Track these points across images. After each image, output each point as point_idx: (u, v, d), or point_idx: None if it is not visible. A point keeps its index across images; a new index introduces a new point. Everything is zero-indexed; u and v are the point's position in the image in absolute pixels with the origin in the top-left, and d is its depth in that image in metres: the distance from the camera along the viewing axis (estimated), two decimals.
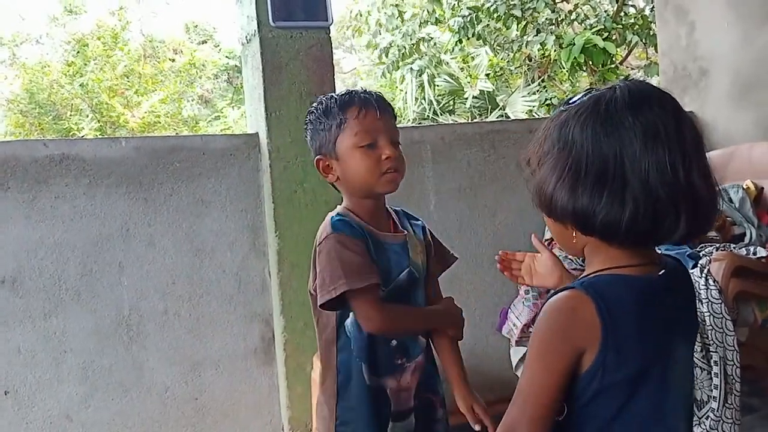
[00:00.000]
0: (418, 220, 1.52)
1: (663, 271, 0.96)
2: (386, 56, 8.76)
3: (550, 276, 1.30)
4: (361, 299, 1.32)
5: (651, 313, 0.93)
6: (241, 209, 2.52)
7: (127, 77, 10.92)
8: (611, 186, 0.87)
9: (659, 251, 1.00)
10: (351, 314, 1.36)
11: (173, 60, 11.96)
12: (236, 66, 11.27)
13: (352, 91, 1.42)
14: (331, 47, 2.56)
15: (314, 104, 1.43)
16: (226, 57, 12.16)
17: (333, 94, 1.42)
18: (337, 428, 1.38)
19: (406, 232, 1.44)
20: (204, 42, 12.77)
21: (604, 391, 0.90)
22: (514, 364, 2.25)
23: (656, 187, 0.86)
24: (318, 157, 1.41)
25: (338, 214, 1.40)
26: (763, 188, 2.51)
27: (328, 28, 2.53)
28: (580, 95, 0.95)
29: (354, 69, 12.95)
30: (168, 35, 12.35)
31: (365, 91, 1.42)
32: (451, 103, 8.66)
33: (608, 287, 0.91)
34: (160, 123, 10.42)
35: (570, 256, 2.25)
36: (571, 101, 0.95)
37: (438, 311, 1.47)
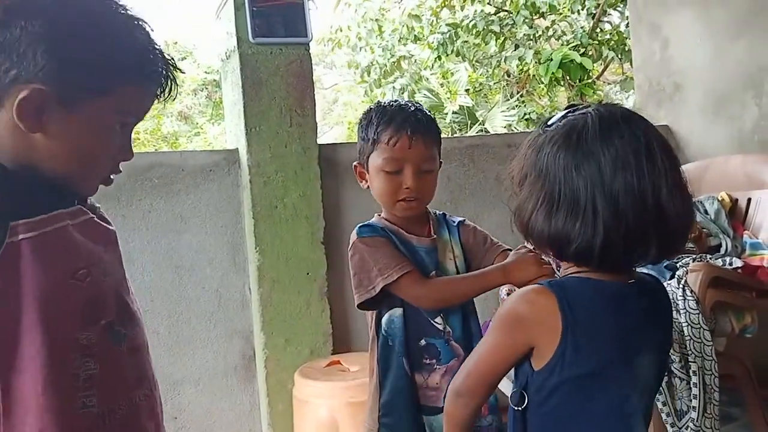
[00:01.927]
0: (455, 220, 1.52)
1: (633, 281, 0.99)
2: (368, 74, 8.82)
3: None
4: (403, 287, 1.36)
5: (615, 316, 0.97)
6: (221, 225, 2.51)
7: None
8: (584, 215, 0.91)
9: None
10: (387, 313, 1.41)
11: None
12: (215, 81, 11.25)
13: (399, 107, 1.42)
14: (311, 63, 2.57)
15: (369, 107, 1.46)
16: (205, 72, 12.14)
17: (384, 104, 1.44)
18: (381, 419, 1.42)
19: (435, 236, 1.46)
20: (184, 58, 12.74)
21: (562, 386, 0.94)
22: None
23: (626, 215, 0.90)
24: (356, 162, 1.48)
25: (368, 222, 1.47)
26: (737, 200, 2.55)
27: (308, 44, 2.54)
28: (558, 117, 0.98)
29: (335, 84, 13.00)
30: None
31: (412, 110, 1.41)
32: None
33: (573, 287, 0.96)
34: (139, 140, 10.34)
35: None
36: (548, 124, 0.99)
37: (491, 270, 1.39)
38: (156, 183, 2.43)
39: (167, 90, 0.97)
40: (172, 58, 0.98)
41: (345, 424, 2.04)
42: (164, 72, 0.96)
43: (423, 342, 1.42)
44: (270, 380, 2.45)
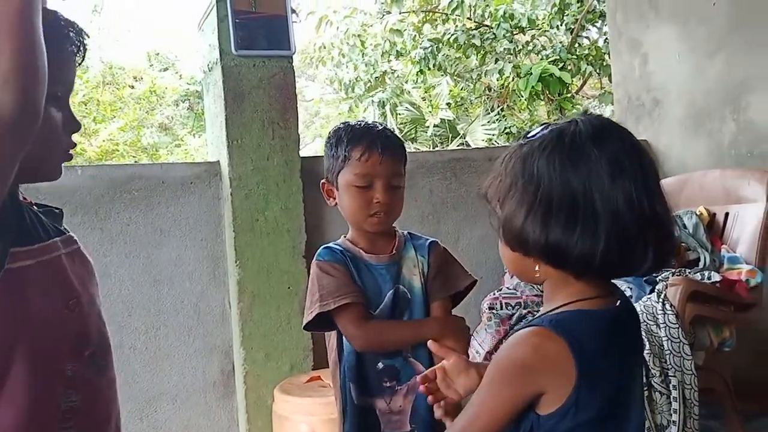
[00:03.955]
0: (426, 240, 1.52)
1: (619, 300, 0.96)
2: (352, 90, 8.86)
3: (469, 378, 1.12)
4: (342, 319, 1.39)
5: (615, 346, 0.93)
6: (201, 238, 2.48)
7: (86, 104, 10.73)
8: (583, 219, 0.86)
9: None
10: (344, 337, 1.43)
11: (133, 87, 11.82)
12: (197, 92, 11.20)
13: (367, 126, 1.47)
14: (294, 76, 2.56)
15: (337, 127, 1.50)
16: (187, 84, 12.08)
17: (352, 124, 1.48)
18: None
19: (395, 253, 1.46)
20: (165, 69, 12.68)
21: (577, 429, 0.88)
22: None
23: (626, 219, 0.87)
24: (323, 180, 1.49)
25: (331, 243, 1.48)
26: (715, 214, 2.58)
27: (291, 57, 2.54)
28: (539, 129, 0.95)
29: (315, 98, 13.01)
30: (128, 63, 12.22)
31: (380, 129, 1.46)
32: (413, 131, 8.76)
33: (576, 324, 0.90)
34: (118, 151, 10.24)
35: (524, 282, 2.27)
36: (529, 135, 0.95)
37: (428, 321, 1.44)
38: (135, 195, 2.39)
39: (83, 51, 0.95)
40: (72, 21, 0.97)
41: None
42: (77, 31, 0.95)
43: (380, 365, 1.42)
44: (249, 396, 2.42)
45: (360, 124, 1.47)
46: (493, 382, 0.92)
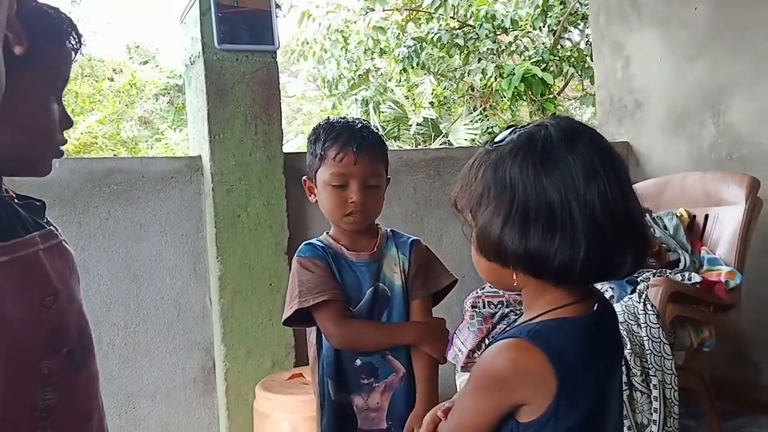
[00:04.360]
0: (408, 238, 1.51)
1: (597, 304, 0.95)
2: (336, 87, 8.82)
3: None
4: (320, 316, 1.39)
5: (595, 352, 0.92)
6: (182, 234, 2.45)
7: (64, 96, 10.55)
8: (562, 227, 0.84)
9: None
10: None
11: (112, 79, 11.67)
12: (178, 86, 11.09)
13: (346, 124, 1.44)
14: (278, 71, 2.54)
15: (318, 123, 1.49)
16: (168, 77, 11.94)
17: (332, 121, 1.46)
18: None
19: (376, 251, 1.46)
20: (145, 62, 12.52)
21: None
22: (459, 390, 2.25)
23: (603, 223, 0.85)
24: (305, 177, 1.49)
25: (312, 240, 1.48)
26: (695, 216, 2.61)
27: (275, 51, 2.51)
28: (506, 133, 0.92)
29: (298, 94, 12.95)
30: (108, 55, 12.06)
31: (359, 127, 1.44)
32: (396, 129, 8.75)
33: (555, 334, 0.88)
34: (97, 144, 10.11)
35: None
36: (497, 140, 0.93)
37: (407, 326, 1.44)
38: (114, 189, 2.36)
39: (79, 45, 0.96)
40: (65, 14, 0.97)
41: None
42: (74, 26, 0.95)
43: (358, 362, 1.42)
44: (230, 393, 2.39)
45: (339, 122, 1.45)
46: (473, 394, 0.93)
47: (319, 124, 1.48)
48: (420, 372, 1.44)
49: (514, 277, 0.92)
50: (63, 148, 0.98)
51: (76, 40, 0.96)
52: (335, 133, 1.41)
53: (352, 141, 1.39)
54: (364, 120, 1.50)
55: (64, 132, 0.97)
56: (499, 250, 0.89)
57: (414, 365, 1.44)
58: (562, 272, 0.86)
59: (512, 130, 0.92)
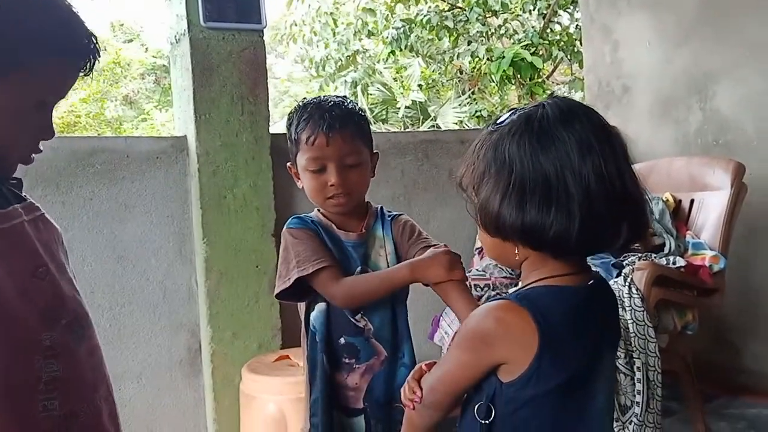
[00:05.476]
0: (390, 216, 1.49)
1: (592, 281, 0.98)
2: (323, 69, 8.75)
3: None
4: (320, 281, 1.36)
5: (583, 321, 0.96)
6: (167, 215, 2.43)
7: None
8: (557, 200, 0.88)
9: None
10: (315, 308, 1.41)
11: None
12: (164, 66, 10.94)
13: (317, 104, 1.39)
14: (265, 51, 2.50)
15: (295, 107, 1.44)
16: (153, 57, 11.78)
17: (305, 103, 1.41)
18: (311, 419, 1.41)
19: (365, 231, 1.44)
20: (130, 41, 12.33)
21: (536, 398, 0.92)
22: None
23: (598, 196, 0.89)
24: (289, 164, 1.47)
25: (302, 214, 1.47)
26: (681, 201, 2.63)
27: (262, 31, 2.48)
28: (507, 115, 0.96)
29: (285, 76, 12.83)
30: None
31: (329, 105, 1.38)
32: (384, 112, 8.72)
33: (542, 297, 0.93)
34: (80, 123, 9.98)
35: (501, 265, 2.28)
36: (498, 121, 0.96)
37: (399, 265, 1.39)
38: (98, 169, 2.32)
39: (91, 64, 0.92)
40: (93, 33, 0.94)
41: (293, 420, 2.00)
42: (89, 44, 0.91)
43: (342, 340, 1.41)
44: (216, 375, 2.39)
45: (311, 103, 1.40)
46: (457, 348, 0.97)
47: (295, 107, 1.44)
48: (454, 304, 1.34)
49: (516, 251, 0.96)
50: None
51: (90, 68, 0.94)
52: (306, 115, 1.37)
53: (321, 122, 1.34)
54: (339, 96, 1.45)
55: (41, 142, 0.94)
56: (498, 224, 0.93)
57: (445, 299, 1.36)
58: (558, 243, 0.90)
59: (512, 112, 0.97)
